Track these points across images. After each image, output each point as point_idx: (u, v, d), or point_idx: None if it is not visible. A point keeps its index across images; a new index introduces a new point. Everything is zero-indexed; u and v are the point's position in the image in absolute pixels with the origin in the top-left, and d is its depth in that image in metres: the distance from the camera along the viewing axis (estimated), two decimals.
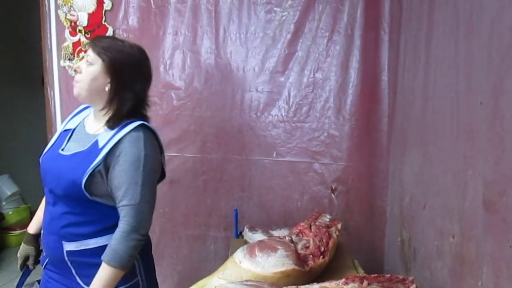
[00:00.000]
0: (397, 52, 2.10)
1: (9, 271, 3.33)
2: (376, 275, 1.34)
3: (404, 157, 1.95)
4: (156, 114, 2.46)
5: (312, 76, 2.29)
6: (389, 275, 1.35)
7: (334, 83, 2.28)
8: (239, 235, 2.15)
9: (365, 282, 1.27)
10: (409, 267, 1.81)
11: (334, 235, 1.76)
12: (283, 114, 2.33)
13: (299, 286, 1.29)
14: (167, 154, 2.45)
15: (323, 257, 1.60)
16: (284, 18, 2.27)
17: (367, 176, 2.30)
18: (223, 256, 2.00)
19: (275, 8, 2.28)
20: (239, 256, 1.49)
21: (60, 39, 2.53)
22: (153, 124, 2.44)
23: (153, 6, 2.39)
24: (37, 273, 3.07)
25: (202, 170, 2.45)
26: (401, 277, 1.36)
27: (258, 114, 2.36)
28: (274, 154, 2.36)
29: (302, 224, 1.78)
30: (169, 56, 2.42)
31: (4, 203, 3.88)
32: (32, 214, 4.03)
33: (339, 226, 1.87)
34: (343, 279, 1.30)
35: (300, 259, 1.52)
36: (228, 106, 2.39)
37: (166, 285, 2.51)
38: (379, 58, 2.23)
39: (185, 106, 2.43)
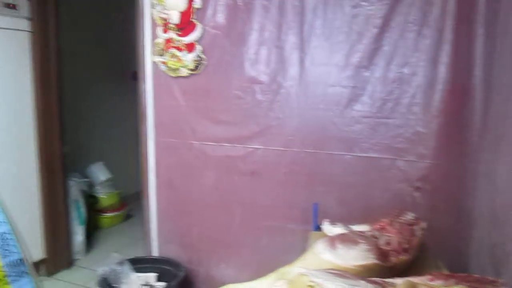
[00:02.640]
0: (493, 46, 1.99)
1: (101, 250, 3.62)
2: (465, 274, 1.29)
3: (498, 156, 1.84)
4: (239, 107, 2.56)
5: (398, 71, 2.22)
6: (478, 276, 1.29)
7: (422, 79, 2.19)
8: (318, 229, 2.15)
9: (452, 280, 1.23)
10: (500, 272, 1.71)
11: (418, 234, 1.71)
12: (367, 110, 2.30)
13: (382, 279, 1.27)
14: (250, 146, 2.54)
15: (407, 255, 1.56)
16: (371, 12, 2.22)
17: (455, 175, 2.19)
18: (301, 249, 2.02)
19: (361, 3, 2.24)
20: (320, 247, 1.50)
21: (153, 36, 2.69)
22: (237, 117, 2.54)
23: (240, 3, 2.46)
24: (124, 253, 3.29)
25: (283, 164, 2.49)
26: (491, 278, 1.29)
27: (341, 109, 2.34)
28: (356, 150, 2.34)
29: (384, 220, 1.75)
30: (254, 51, 2.48)
31: (98, 188, 4.23)
32: (121, 199, 4.37)
33: (423, 225, 1.80)
34: (429, 276, 1.27)
35: (382, 255, 1.49)
36: (311, 101, 2.40)
37: (246, 273, 2.58)
38: (472, 52, 2.10)
39: (269, 100, 2.48)
